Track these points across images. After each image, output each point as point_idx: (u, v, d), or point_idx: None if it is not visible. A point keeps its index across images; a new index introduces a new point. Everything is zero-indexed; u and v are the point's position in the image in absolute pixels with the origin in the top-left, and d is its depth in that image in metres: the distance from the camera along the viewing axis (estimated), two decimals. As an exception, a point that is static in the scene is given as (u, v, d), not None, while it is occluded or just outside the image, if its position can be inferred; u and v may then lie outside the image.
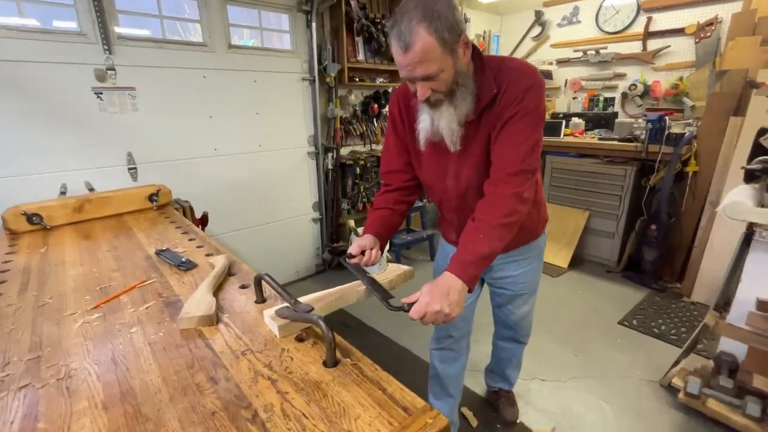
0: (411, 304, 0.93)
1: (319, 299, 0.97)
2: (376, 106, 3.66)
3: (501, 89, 1.08)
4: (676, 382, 2.06)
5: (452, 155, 1.20)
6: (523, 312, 1.61)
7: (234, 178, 2.96)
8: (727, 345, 2.04)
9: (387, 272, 1.14)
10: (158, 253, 1.38)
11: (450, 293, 0.93)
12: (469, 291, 0.99)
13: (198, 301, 0.98)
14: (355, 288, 1.02)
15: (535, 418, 1.93)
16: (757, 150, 1.82)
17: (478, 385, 2.14)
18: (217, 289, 1.12)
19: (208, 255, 1.40)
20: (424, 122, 1.14)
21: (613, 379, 2.20)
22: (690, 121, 3.39)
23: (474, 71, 1.09)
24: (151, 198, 1.98)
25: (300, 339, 0.87)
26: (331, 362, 0.77)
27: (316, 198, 3.54)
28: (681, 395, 1.94)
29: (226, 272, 1.23)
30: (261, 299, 1.04)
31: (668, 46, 3.60)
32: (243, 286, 1.15)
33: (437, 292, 0.93)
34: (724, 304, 2.10)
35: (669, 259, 3.34)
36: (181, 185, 2.51)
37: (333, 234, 3.75)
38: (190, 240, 1.56)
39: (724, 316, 1.99)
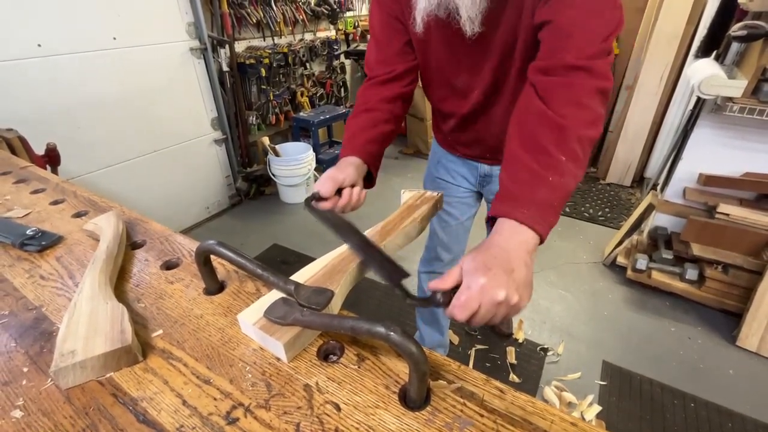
0: (449, 293, 0.50)
1: (330, 272, 0.56)
2: (273, -20, 2.78)
3: None
4: (621, 260, 2.20)
5: (467, 42, 0.80)
6: None
7: (84, 89, 2.02)
8: (660, 220, 2.20)
9: (406, 205, 0.75)
10: (-28, 225, 0.76)
11: (515, 266, 0.51)
12: (541, 242, 0.58)
13: (88, 320, 0.50)
14: (380, 241, 0.63)
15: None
16: (722, 16, 1.72)
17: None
18: (118, 282, 0.62)
19: (78, 215, 0.82)
20: None
21: (565, 267, 2.29)
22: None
23: None
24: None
25: (328, 356, 0.48)
26: (419, 398, 0.41)
27: (214, 112, 2.74)
28: (630, 272, 2.08)
29: (124, 243, 0.71)
30: (214, 287, 0.59)
31: None
32: (168, 266, 0.66)
33: (496, 265, 0.50)
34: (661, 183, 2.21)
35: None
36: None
37: (244, 157, 3.07)
38: (35, 192, 0.92)
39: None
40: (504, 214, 0.57)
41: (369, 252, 0.59)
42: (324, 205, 0.72)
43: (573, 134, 0.60)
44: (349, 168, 0.76)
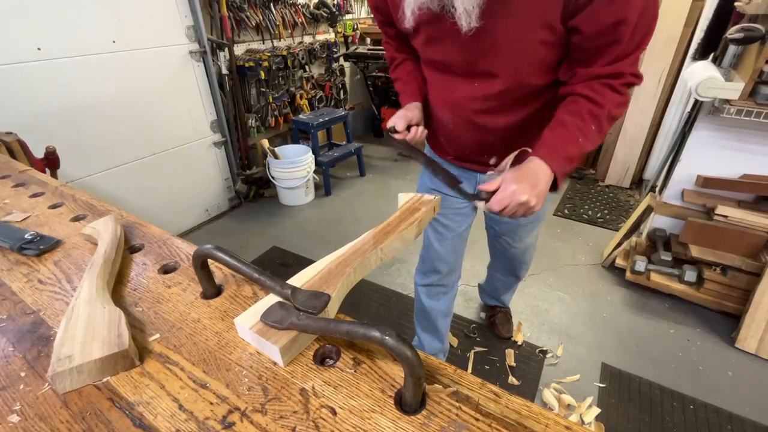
0: (490, 193, 0.76)
1: (327, 275, 0.56)
2: (273, -17, 2.79)
3: None
4: (620, 262, 2.21)
5: (462, 39, 0.75)
6: (525, 244, 1.40)
7: (84, 92, 2.03)
8: (659, 222, 2.20)
9: (404, 208, 0.75)
10: (-29, 229, 0.76)
11: (538, 183, 0.75)
12: (554, 189, 0.81)
13: (85, 324, 0.50)
14: (377, 244, 0.63)
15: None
16: (719, 17, 1.73)
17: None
18: (116, 286, 0.63)
19: (76, 219, 0.82)
20: None
21: (564, 269, 2.29)
22: None
23: None
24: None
25: (324, 360, 0.48)
26: (414, 402, 0.41)
27: (213, 115, 2.75)
28: (628, 274, 2.09)
29: (122, 247, 0.71)
30: (212, 291, 0.59)
31: None
32: (165, 270, 0.66)
33: (525, 180, 0.74)
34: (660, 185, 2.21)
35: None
36: (-7, 109, 1.60)
37: (243, 159, 3.08)
38: (34, 196, 0.93)
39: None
40: (540, 156, 0.77)
41: (433, 166, 0.83)
42: (397, 137, 0.93)
43: (605, 111, 0.77)
44: (415, 110, 0.97)
